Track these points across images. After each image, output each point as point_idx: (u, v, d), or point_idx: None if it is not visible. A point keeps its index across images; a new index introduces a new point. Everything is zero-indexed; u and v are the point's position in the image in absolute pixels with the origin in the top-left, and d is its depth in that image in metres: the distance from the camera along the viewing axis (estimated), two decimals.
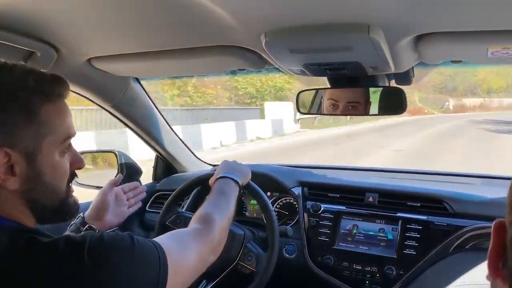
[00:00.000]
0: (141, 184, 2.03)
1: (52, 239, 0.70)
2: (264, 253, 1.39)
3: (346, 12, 0.88)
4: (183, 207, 1.71)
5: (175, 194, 1.54)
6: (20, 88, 0.72)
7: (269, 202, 1.42)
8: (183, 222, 1.47)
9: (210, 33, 1.06)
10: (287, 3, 0.85)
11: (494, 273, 0.46)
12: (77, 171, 0.87)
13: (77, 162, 0.85)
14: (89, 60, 1.28)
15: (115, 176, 1.84)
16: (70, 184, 0.85)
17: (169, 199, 1.54)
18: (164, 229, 1.51)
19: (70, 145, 0.82)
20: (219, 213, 1.06)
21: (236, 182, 1.24)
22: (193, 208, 1.74)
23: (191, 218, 1.46)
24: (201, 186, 1.56)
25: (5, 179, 0.71)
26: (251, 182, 1.40)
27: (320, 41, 0.98)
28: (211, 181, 1.28)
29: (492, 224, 0.47)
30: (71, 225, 1.15)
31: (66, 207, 0.83)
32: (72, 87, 1.39)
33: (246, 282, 1.35)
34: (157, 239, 0.83)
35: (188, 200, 1.77)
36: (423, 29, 0.93)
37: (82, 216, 1.16)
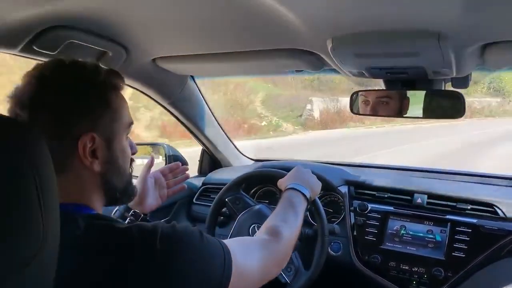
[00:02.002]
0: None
1: (126, 226, 0.74)
2: (304, 270, 1.41)
3: (416, 20, 0.89)
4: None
5: (243, 177, 1.57)
6: (96, 81, 0.80)
7: (326, 227, 1.42)
8: (242, 205, 1.52)
9: (276, 37, 1.09)
10: (357, 9, 0.87)
11: None
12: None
13: (133, 147, 0.91)
14: (154, 59, 1.34)
15: None
16: (131, 167, 0.91)
17: (235, 179, 1.58)
18: (222, 205, 1.58)
19: (129, 132, 0.89)
20: (287, 227, 1.05)
21: (305, 197, 1.22)
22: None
23: (249, 203, 1.54)
24: (269, 181, 1.59)
25: (91, 162, 0.78)
26: (318, 200, 1.40)
27: (387, 46, 0.99)
28: (280, 185, 1.28)
29: None
30: (116, 211, 1.19)
31: (130, 189, 0.90)
32: (136, 84, 1.47)
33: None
34: (225, 241, 0.85)
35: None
36: (492, 38, 0.94)
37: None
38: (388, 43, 0.98)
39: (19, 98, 0.77)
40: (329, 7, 0.87)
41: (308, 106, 15.74)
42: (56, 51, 1.08)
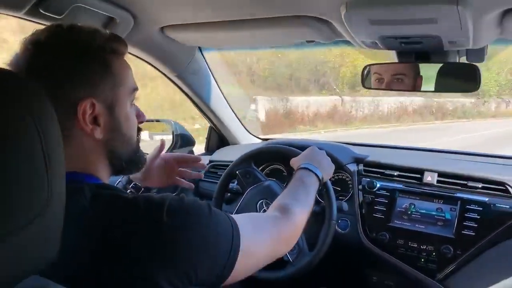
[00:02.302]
0: (193, 154, 2.10)
1: (133, 196, 0.73)
2: (308, 251, 1.39)
3: None
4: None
5: (257, 152, 1.56)
6: (94, 45, 0.77)
7: (335, 211, 1.40)
8: (252, 179, 1.51)
9: (288, 2, 1.06)
10: None
11: None
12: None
13: (140, 115, 0.89)
14: (162, 28, 1.32)
15: (170, 145, 1.91)
16: (139, 136, 0.89)
17: (247, 152, 1.57)
18: (232, 177, 1.57)
19: (134, 98, 0.87)
20: (299, 205, 1.04)
21: (318, 177, 1.20)
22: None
23: (260, 179, 1.52)
24: (280, 158, 1.58)
25: (92, 129, 0.76)
26: (329, 183, 1.39)
27: (404, 13, 0.96)
28: (293, 163, 1.27)
29: None
30: (118, 183, 1.19)
31: (138, 157, 0.87)
32: (143, 55, 1.45)
33: (279, 266, 1.36)
34: (234, 216, 0.84)
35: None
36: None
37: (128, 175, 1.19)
38: (404, 8, 0.95)
39: (17, 65, 0.75)
40: None
41: (253, 106, 13.14)
42: (63, 15, 1.06)
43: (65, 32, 0.77)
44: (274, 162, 1.87)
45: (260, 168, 1.88)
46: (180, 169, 1.28)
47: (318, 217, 1.45)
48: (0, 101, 0.45)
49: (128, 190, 1.16)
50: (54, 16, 1.05)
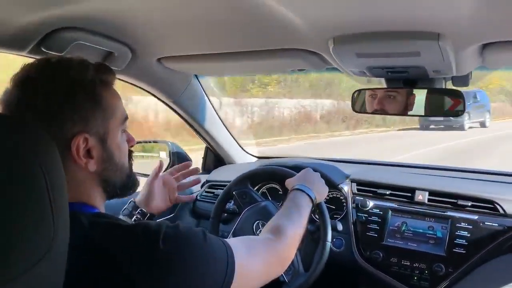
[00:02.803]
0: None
1: (130, 224, 0.76)
2: (303, 271, 1.41)
3: (416, 21, 0.91)
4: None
5: (254, 172, 1.60)
6: (83, 79, 0.78)
7: (329, 231, 1.43)
8: (248, 199, 1.54)
9: (279, 37, 1.11)
10: (358, 10, 0.89)
11: None
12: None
13: (131, 140, 0.92)
14: (159, 59, 1.36)
15: (168, 165, 1.95)
16: (131, 161, 0.92)
17: (244, 173, 1.61)
18: (229, 197, 1.61)
19: (125, 127, 0.90)
20: (292, 226, 1.06)
21: (311, 199, 1.23)
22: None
23: (256, 199, 1.55)
24: (277, 179, 1.61)
25: (86, 162, 0.79)
26: (323, 203, 1.42)
27: (388, 46, 1.01)
28: (288, 184, 1.30)
29: None
30: (124, 210, 1.21)
31: (131, 182, 0.91)
32: (140, 84, 1.50)
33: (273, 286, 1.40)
34: (228, 241, 0.85)
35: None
36: (491, 38, 0.96)
37: (133, 201, 1.21)
38: (388, 43, 0.99)
39: (7, 102, 0.76)
40: (330, 8, 0.89)
41: None
42: (64, 52, 1.10)
43: (54, 68, 0.78)
44: (271, 182, 1.91)
45: (256, 187, 1.92)
46: (178, 184, 1.31)
47: (313, 236, 1.49)
48: (6, 146, 0.47)
49: (134, 217, 1.18)
50: (56, 53, 1.10)
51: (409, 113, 1.36)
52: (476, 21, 0.86)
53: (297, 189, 1.24)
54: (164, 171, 1.29)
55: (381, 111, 1.43)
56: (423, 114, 1.34)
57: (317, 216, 1.50)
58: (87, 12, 0.99)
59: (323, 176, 1.73)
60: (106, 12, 1.01)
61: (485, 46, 1.01)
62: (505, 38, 0.95)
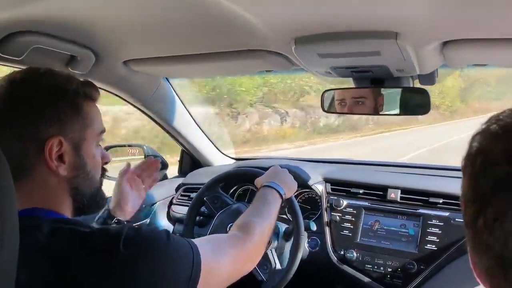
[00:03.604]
0: (167, 178, 2.13)
1: (90, 230, 0.75)
2: (280, 268, 1.42)
3: (374, 21, 0.91)
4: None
5: (223, 176, 1.60)
6: (68, 89, 0.82)
7: (302, 225, 1.44)
8: (220, 203, 1.54)
9: (241, 39, 1.10)
10: (317, 11, 0.88)
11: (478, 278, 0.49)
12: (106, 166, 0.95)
13: (105, 157, 0.93)
14: (124, 62, 1.34)
15: None
16: (102, 178, 0.93)
17: (215, 177, 1.60)
18: (200, 204, 1.60)
19: (101, 140, 0.91)
20: (260, 223, 1.07)
21: (280, 194, 1.24)
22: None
23: (228, 203, 1.55)
24: (247, 180, 1.62)
25: (57, 166, 0.79)
26: (293, 198, 1.43)
27: (348, 46, 1.01)
28: (257, 183, 1.31)
29: None
30: (98, 219, 1.18)
31: (99, 197, 0.91)
32: (108, 87, 1.48)
33: (252, 286, 1.40)
34: (195, 240, 0.85)
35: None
36: (448, 36, 0.96)
37: (108, 209, 1.19)
38: (349, 43, 0.99)
39: None
40: (289, 9, 0.89)
41: None
42: (22, 57, 1.08)
43: (41, 75, 0.83)
44: (246, 183, 1.91)
45: (232, 190, 1.92)
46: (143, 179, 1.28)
47: (289, 236, 1.49)
48: None
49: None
50: (14, 58, 1.07)
51: (386, 112, 1.37)
52: (432, 20, 0.86)
53: (266, 186, 1.26)
54: None
55: (350, 111, 1.44)
56: (390, 113, 1.35)
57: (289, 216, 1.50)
58: (43, 15, 0.97)
59: (297, 176, 1.74)
60: (64, 15, 0.99)
61: (445, 45, 1.01)
62: (462, 36, 0.96)
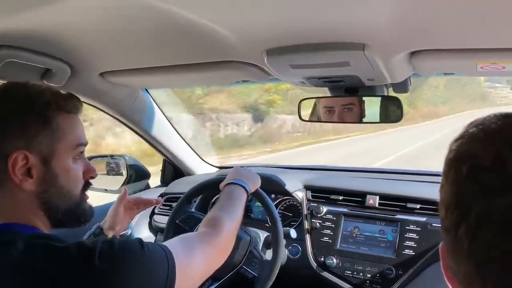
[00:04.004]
0: (149, 187, 2.13)
1: (65, 245, 0.74)
2: (268, 260, 1.44)
3: (342, 32, 0.93)
4: (191, 208, 1.78)
5: (187, 194, 1.60)
6: (37, 101, 0.81)
7: (275, 211, 1.46)
8: (193, 221, 1.54)
9: (214, 50, 1.12)
10: (287, 24, 0.90)
11: (449, 282, 0.49)
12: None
13: (89, 171, 0.91)
14: (101, 74, 1.35)
15: (125, 179, 1.93)
16: (85, 191, 0.91)
17: (181, 198, 1.61)
18: (174, 227, 1.59)
19: (82, 153, 0.89)
20: (228, 217, 1.10)
21: (245, 188, 1.28)
22: (202, 209, 1.82)
23: (201, 218, 1.55)
24: (211, 189, 1.61)
25: (22, 180, 0.78)
26: (260, 189, 1.45)
27: (319, 57, 1.03)
28: (221, 185, 1.33)
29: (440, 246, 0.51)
30: (90, 235, 1.21)
31: (81, 211, 0.89)
32: (85, 99, 1.48)
33: (248, 286, 1.41)
34: (166, 243, 0.86)
35: (196, 202, 1.85)
36: (415, 47, 0.99)
37: (100, 227, 1.23)
38: (319, 54, 1.01)
39: None
40: (260, 22, 0.90)
41: None
42: None
43: (10, 87, 0.82)
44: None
45: (212, 201, 1.91)
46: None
47: (270, 245, 1.50)
48: None
49: None
50: None
51: (348, 120, 1.40)
52: (398, 31, 0.89)
53: (229, 183, 1.29)
54: (122, 184, 1.30)
55: (320, 120, 1.47)
56: (364, 121, 1.37)
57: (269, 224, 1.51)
58: (15, 29, 0.97)
59: (277, 184, 1.76)
60: (36, 28, 0.99)
61: (413, 54, 1.04)
62: (428, 47, 0.98)
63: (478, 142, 0.45)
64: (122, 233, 1.80)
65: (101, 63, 1.27)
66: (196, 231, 1.44)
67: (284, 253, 1.47)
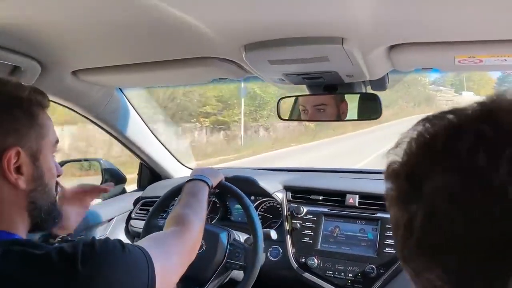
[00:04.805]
0: (125, 192, 2.08)
1: (44, 251, 0.72)
2: (249, 246, 1.43)
3: (321, 26, 0.92)
4: (166, 216, 1.74)
5: (159, 202, 1.57)
6: (21, 97, 0.79)
7: (246, 199, 1.45)
8: None
9: (191, 46, 1.09)
10: (266, 18, 0.89)
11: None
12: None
13: (58, 169, 0.90)
14: (73, 72, 1.31)
15: (100, 184, 1.88)
16: (57, 190, 0.90)
17: (153, 206, 1.58)
18: (152, 232, 1.55)
19: (55, 151, 0.88)
20: (193, 213, 1.10)
21: (205, 182, 1.28)
22: None
23: None
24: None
25: (17, 178, 0.76)
26: (224, 181, 1.44)
27: (298, 52, 1.02)
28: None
29: None
30: (40, 238, 1.14)
31: (56, 211, 0.87)
32: (56, 99, 1.43)
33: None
34: (140, 243, 0.85)
35: (172, 208, 1.81)
36: (394, 40, 0.99)
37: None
38: (298, 49, 1.00)
39: None
40: (238, 16, 0.89)
41: None
42: None
43: None
44: None
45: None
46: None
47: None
48: None
49: (56, 244, 1.11)
50: None
51: (342, 117, 1.39)
52: (377, 24, 0.88)
53: (188, 180, 1.30)
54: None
55: (316, 119, 1.46)
56: (341, 118, 1.37)
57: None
58: None
59: (256, 186, 1.73)
60: (3, 22, 0.95)
61: (391, 49, 1.04)
62: (407, 40, 0.98)
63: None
64: (98, 238, 1.74)
65: (73, 60, 1.23)
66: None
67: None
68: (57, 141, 0.87)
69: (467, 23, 0.87)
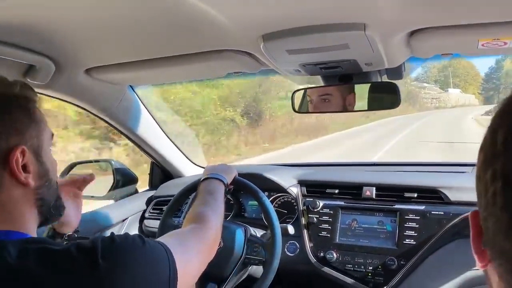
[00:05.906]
0: (137, 192, 2.06)
1: (63, 247, 0.71)
2: (267, 241, 1.42)
3: (342, 12, 0.90)
4: (181, 214, 1.73)
5: (173, 201, 1.57)
6: (16, 95, 0.78)
7: (258, 190, 1.45)
8: None
9: (207, 39, 1.08)
10: (284, 6, 0.87)
11: (479, 257, 0.45)
12: None
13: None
14: (87, 70, 1.29)
15: (112, 185, 1.87)
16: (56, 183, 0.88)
17: (167, 206, 1.57)
18: (167, 231, 1.54)
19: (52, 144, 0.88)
20: (211, 210, 1.10)
21: (220, 180, 1.29)
22: None
23: None
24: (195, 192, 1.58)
25: (26, 177, 0.75)
26: (238, 177, 1.44)
27: (317, 40, 1.00)
28: (199, 185, 1.31)
29: (470, 214, 0.46)
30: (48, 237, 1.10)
31: (59, 203, 0.87)
32: (70, 98, 1.42)
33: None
34: (161, 239, 0.84)
35: (186, 206, 1.79)
36: (416, 25, 0.97)
37: (52, 227, 1.12)
38: (317, 37, 0.98)
39: None
40: (256, 6, 0.87)
41: None
42: None
43: None
44: None
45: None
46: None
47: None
48: None
49: (65, 243, 1.09)
50: None
51: (349, 108, 1.37)
52: (400, 8, 0.87)
53: (204, 179, 1.30)
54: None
55: (322, 110, 1.44)
56: (362, 108, 1.35)
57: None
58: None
59: (270, 181, 1.72)
60: (18, 20, 0.94)
61: (412, 35, 1.02)
62: (429, 24, 0.97)
63: None
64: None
65: (87, 58, 1.21)
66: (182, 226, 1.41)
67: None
68: (53, 135, 0.87)
69: (491, 3, 0.85)
